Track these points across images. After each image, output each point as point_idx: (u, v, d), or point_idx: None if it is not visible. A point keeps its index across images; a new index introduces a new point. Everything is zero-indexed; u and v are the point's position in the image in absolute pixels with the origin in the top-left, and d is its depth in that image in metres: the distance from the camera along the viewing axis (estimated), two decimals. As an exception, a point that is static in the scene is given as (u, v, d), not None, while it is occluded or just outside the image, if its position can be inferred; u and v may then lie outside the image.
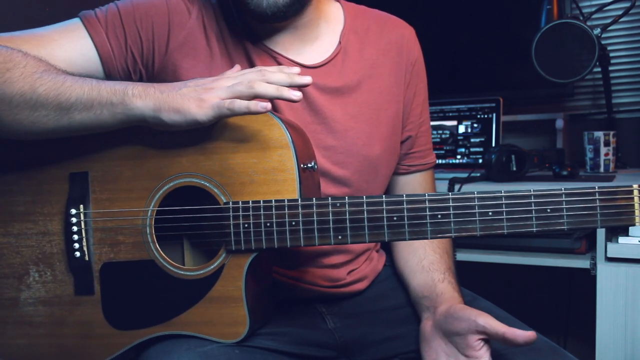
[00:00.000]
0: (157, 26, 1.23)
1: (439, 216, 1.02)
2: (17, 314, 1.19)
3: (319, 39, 1.30)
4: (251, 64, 1.24)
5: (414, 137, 1.38)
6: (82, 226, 1.16)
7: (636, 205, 0.97)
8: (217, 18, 1.26)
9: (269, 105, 1.02)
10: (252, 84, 1.03)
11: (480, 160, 2.11)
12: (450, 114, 2.19)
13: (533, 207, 0.99)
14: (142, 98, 1.04)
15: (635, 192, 0.97)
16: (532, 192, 0.99)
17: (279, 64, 1.24)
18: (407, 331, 1.26)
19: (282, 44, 1.26)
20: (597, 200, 0.98)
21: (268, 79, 1.04)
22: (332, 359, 1.27)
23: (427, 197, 1.02)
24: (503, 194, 1.00)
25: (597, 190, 0.98)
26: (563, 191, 0.99)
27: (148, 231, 1.13)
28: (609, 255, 1.57)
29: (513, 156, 1.81)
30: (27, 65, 1.07)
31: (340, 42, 1.30)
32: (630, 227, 1.58)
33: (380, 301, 1.34)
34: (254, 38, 1.26)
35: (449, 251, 1.35)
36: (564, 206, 0.98)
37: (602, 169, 1.97)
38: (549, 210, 0.99)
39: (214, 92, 1.03)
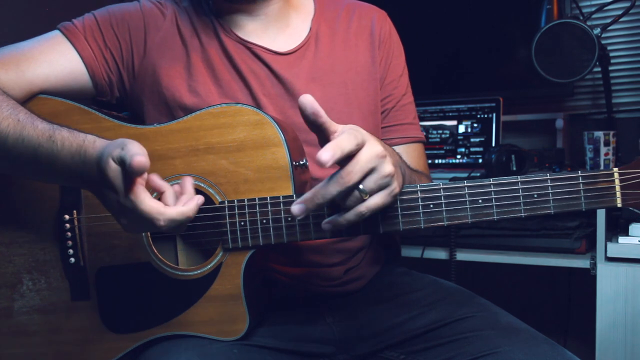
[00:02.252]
0: (134, 29, 1.27)
1: (431, 206, 1.04)
2: (12, 324, 1.19)
3: (290, 27, 1.34)
4: (227, 56, 1.28)
5: (389, 110, 1.40)
6: (76, 232, 1.16)
7: (617, 187, 1.03)
8: (191, 17, 1.31)
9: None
10: None
11: (480, 160, 2.11)
12: (450, 114, 2.19)
13: (520, 193, 1.04)
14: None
15: (616, 175, 1.03)
16: (519, 179, 1.04)
17: (254, 53, 1.28)
18: (405, 319, 1.27)
19: (255, 33, 1.30)
20: (581, 185, 1.03)
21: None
22: (330, 355, 1.27)
23: (418, 188, 1.04)
24: (492, 182, 1.04)
25: (580, 175, 1.03)
26: (548, 177, 1.03)
27: (144, 234, 1.13)
28: (609, 255, 1.57)
29: (513, 156, 1.81)
30: None
31: (311, 29, 1.34)
32: (630, 227, 1.58)
33: (378, 293, 1.35)
34: (227, 31, 1.29)
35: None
36: (550, 191, 1.03)
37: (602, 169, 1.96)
38: (535, 196, 1.04)
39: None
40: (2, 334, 1.19)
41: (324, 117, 0.90)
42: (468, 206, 1.04)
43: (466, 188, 1.04)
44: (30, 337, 1.18)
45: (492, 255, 1.82)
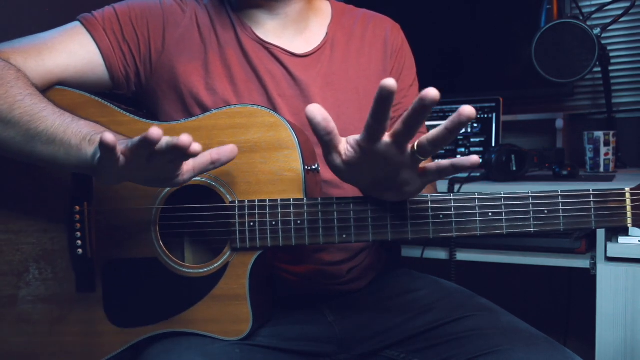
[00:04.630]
0: (153, 25, 1.27)
1: (441, 216, 1.04)
2: (15, 312, 1.19)
3: (308, 30, 1.35)
4: (245, 55, 1.28)
5: (397, 118, 1.40)
6: (86, 223, 1.16)
7: (628, 207, 1.02)
8: (210, 15, 1.30)
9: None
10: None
11: (480, 160, 2.10)
12: (450, 114, 2.17)
13: (531, 209, 1.03)
14: (94, 146, 1.01)
15: (627, 195, 1.03)
16: (530, 194, 1.03)
17: (271, 53, 1.29)
18: (406, 319, 1.27)
19: (274, 33, 1.31)
20: (592, 202, 1.02)
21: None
22: (332, 354, 1.27)
23: (429, 198, 1.04)
24: (502, 196, 1.03)
25: (591, 192, 1.02)
26: (559, 193, 1.03)
27: (153, 229, 1.13)
28: (609, 255, 1.57)
29: (513, 156, 1.81)
30: (14, 86, 1.08)
31: (327, 34, 1.35)
32: (630, 227, 1.58)
33: (378, 293, 1.35)
34: (246, 30, 1.30)
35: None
36: (560, 207, 1.03)
37: (602, 169, 1.97)
38: (546, 212, 1.03)
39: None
40: (6, 321, 1.19)
41: (333, 124, 0.90)
42: (478, 219, 1.04)
43: (477, 200, 1.03)
44: (34, 326, 1.18)
45: (492, 255, 1.81)
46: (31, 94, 1.09)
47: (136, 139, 0.88)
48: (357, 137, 0.92)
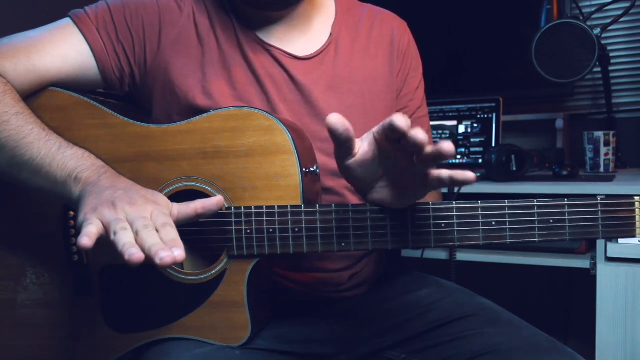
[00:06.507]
0: (148, 24, 1.23)
1: (443, 225, 1.02)
2: (14, 316, 1.19)
3: (311, 31, 1.30)
4: (245, 58, 1.24)
5: None
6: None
7: (637, 217, 0.99)
8: (210, 14, 1.26)
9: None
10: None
11: (480, 160, 2.11)
12: (450, 114, 2.19)
13: (536, 218, 1.00)
14: (79, 187, 1.01)
15: (637, 204, 0.99)
16: (535, 203, 1.00)
17: (273, 56, 1.25)
18: (406, 319, 1.26)
19: (276, 35, 1.26)
20: (599, 212, 0.99)
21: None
22: (332, 355, 1.26)
23: (431, 206, 1.02)
24: (507, 204, 1.01)
25: (599, 202, 0.99)
26: (566, 202, 1.00)
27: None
28: (609, 255, 1.57)
29: (513, 156, 1.80)
30: (1, 103, 1.07)
31: (331, 34, 1.31)
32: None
33: (378, 295, 1.35)
34: (247, 31, 1.26)
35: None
36: (567, 217, 1.00)
37: (602, 169, 1.97)
38: (551, 221, 1.00)
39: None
40: (5, 325, 1.19)
41: (352, 131, 0.88)
42: (481, 228, 1.01)
43: (480, 209, 1.01)
44: (32, 331, 1.18)
45: (492, 255, 1.82)
46: (17, 113, 1.07)
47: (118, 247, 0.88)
48: (374, 129, 0.91)
